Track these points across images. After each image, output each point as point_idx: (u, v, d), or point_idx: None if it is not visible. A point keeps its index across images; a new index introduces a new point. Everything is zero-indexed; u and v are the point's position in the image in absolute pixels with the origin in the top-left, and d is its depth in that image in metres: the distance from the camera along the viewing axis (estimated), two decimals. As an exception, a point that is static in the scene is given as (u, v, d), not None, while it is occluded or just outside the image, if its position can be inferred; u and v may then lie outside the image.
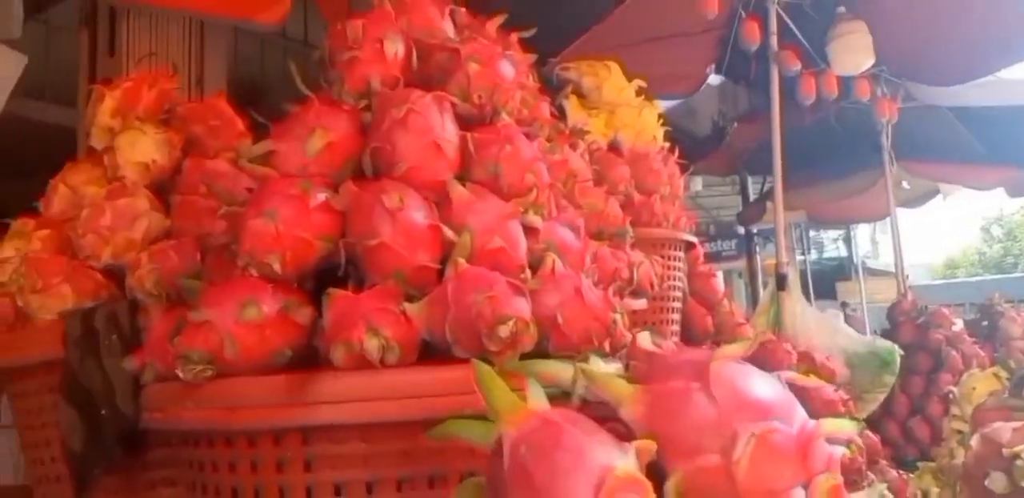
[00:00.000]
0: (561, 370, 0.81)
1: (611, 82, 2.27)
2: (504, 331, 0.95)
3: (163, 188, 1.53)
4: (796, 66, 3.62)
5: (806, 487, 0.65)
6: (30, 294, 1.41)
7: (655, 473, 0.64)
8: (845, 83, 4.03)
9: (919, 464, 1.50)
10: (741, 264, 8.09)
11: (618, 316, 1.08)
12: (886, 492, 1.05)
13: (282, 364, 1.01)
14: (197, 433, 1.01)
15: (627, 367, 0.91)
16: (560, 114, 2.06)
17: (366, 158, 1.13)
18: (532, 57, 1.44)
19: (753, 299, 6.77)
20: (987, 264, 25.94)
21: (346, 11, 1.57)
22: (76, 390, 1.28)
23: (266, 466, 0.95)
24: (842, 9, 3.85)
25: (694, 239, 2.25)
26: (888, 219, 4.72)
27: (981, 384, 1.57)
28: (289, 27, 3.52)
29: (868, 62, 3.83)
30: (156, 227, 1.45)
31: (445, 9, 1.38)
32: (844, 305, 8.65)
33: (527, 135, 1.22)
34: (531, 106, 1.44)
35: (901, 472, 1.30)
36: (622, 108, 2.23)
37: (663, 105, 2.53)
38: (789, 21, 3.63)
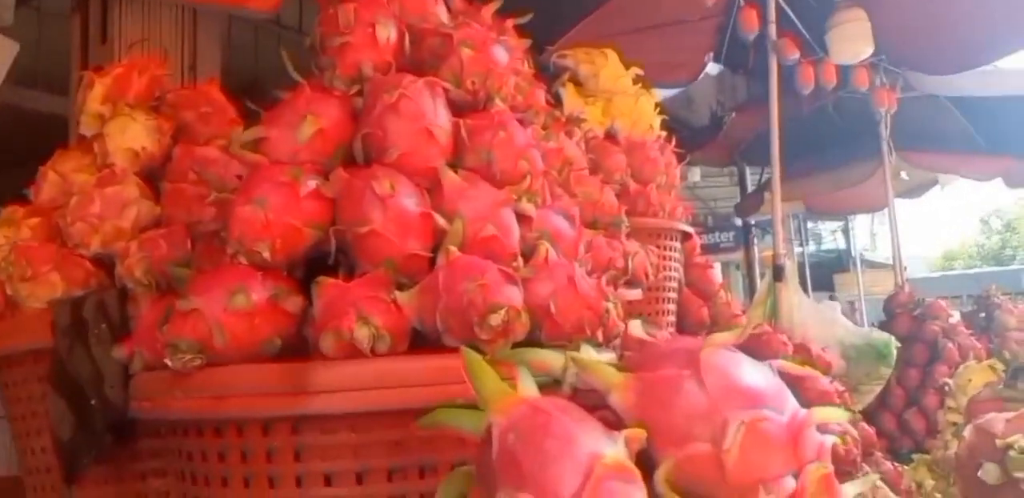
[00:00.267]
0: (552, 359, 0.80)
1: (608, 70, 2.26)
2: (496, 320, 0.94)
3: (153, 175, 1.51)
4: (795, 55, 3.59)
5: (796, 476, 0.64)
6: (19, 282, 1.41)
7: (645, 461, 0.64)
8: (844, 72, 4.01)
9: (914, 456, 1.49)
10: (739, 256, 8.09)
11: (611, 305, 1.07)
12: (879, 483, 1.04)
13: (272, 353, 1.01)
14: (186, 422, 1.01)
15: (620, 357, 0.90)
16: (556, 102, 2.05)
17: (357, 144, 1.12)
18: (527, 43, 1.43)
19: (750, 291, 6.78)
20: (985, 256, 25.88)
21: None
22: (65, 379, 1.27)
23: (256, 455, 0.94)
24: (841, -4, 3.82)
25: (690, 229, 2.24)
26: (886, 210, 4.71)
27: (977, 376, 1.56)
28: (284, 14, 3.49)
29: (867, 51, 3.80)
30: (146, 215, 1.44)
31: (439, -6, 1.36)
32: (832, 298, 8.66)
33: (521, 121, 1.21)
34: (526, 92, 1.42)
35: (896, 464, 1.29)
36: (619, 96, 2.21)
37: (661, 94, 2.51)
38: (788, 9, 3.60)
